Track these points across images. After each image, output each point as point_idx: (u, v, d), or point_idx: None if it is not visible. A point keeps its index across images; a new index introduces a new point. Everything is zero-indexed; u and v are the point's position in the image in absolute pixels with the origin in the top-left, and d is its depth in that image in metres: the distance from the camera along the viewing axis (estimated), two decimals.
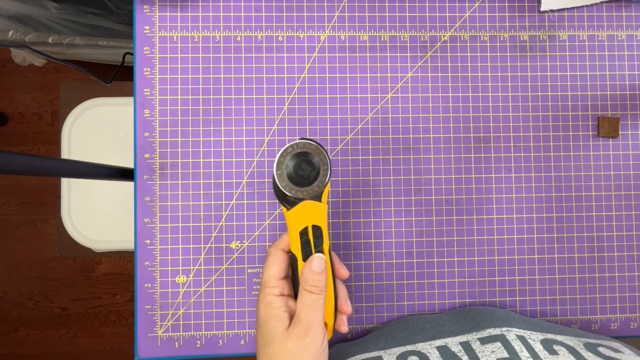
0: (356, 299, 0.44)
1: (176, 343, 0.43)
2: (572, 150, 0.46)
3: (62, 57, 0.73)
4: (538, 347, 0.33)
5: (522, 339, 0.34)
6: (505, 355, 0.33)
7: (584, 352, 0.33)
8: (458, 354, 0.34)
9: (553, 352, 0.33)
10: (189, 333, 0.43)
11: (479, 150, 0.46)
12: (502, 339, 0.34)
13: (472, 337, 0.35)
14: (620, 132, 0.46)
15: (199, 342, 0.43)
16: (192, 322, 0.43)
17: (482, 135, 0.46)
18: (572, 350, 0.33)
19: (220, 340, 0.43)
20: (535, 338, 0.35)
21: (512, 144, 0.46)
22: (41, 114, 1.23)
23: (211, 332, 0.43)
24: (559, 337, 0.35)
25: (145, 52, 0.44)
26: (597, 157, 0.47)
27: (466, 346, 0.34)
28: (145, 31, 0.45)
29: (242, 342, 0.43)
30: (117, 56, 0.71)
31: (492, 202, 0.46)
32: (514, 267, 0.45)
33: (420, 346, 0.36)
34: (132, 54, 0.58)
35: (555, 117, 0.46)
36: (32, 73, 1.22)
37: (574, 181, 0.46)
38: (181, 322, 0.43)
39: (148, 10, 0.45)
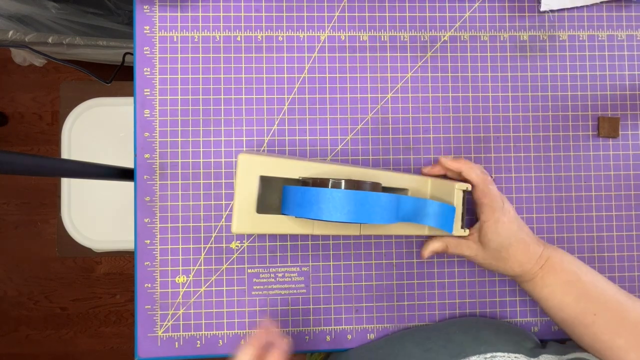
0: (356, 299, 0.44)
1: (176, 343, 0.43)
2: (572, 150, 0.46)
3: (62, 57, 0.73)
4: None
5: None
6: None
7: None
8: None
9: None
10: (189, 333, 0.43)
11: (479, 150, 0.46)
12: None
13: None
14: (620, 132, 0.46)
15: (199, 342, 0.43)
16: (192, 322, 0.43)
17: (482, 135, 0.46)
18: None
19: (220, 340, 0.43)
20: None
21: (512, 144, 0.46)
22: (41, 114, 1.23)
23: (211, 332, 0.43)
24: (542, 358, 0.35)
25: (145, 52, 0.44)
26: (597, 157, 0.46)
27: None
28: (145, 31, 0.45)
29: (242, 342, 0.43)
30: (117, 56, 0.71)
31: None
32: None
33: None
34: (132, 54, 0.58)
35: (555, 117, 0.46)
36: (32, 73, 1.22)
37: (574, 181, 0.46)
38: (181, 322, 0.43)
39: (148, 10, 0.45)
